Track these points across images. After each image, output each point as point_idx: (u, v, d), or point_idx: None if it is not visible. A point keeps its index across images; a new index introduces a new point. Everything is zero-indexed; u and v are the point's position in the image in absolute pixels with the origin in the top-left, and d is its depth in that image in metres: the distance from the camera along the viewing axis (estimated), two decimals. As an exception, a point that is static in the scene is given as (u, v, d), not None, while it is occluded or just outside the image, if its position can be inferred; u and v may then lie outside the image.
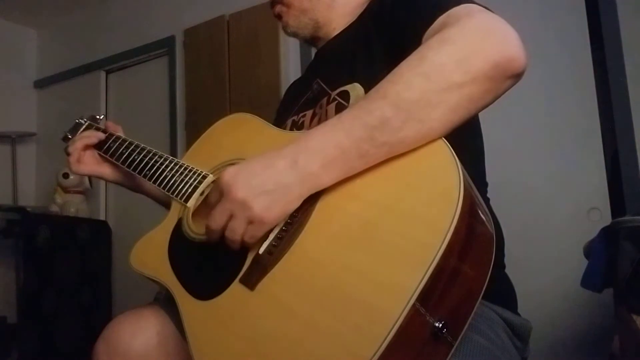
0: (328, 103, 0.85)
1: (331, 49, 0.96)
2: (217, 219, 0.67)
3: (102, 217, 3.24)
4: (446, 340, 0.56)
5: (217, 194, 0.68)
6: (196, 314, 0.70)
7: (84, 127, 1.10)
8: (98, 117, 1.13)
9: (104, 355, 0.82)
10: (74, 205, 3.10)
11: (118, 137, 1.03)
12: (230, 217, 0.66)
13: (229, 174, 0.66)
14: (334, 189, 0.66)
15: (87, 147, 1.04)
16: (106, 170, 1.05)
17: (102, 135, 1.04)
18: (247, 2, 2.65)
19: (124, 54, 3.24)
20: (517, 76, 0.63)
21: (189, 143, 2.76)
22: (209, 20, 2.82)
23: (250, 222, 0.65)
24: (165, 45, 3.06)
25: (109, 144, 1.03)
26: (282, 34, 2.52)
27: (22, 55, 3.65)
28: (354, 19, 0.94)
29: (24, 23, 3.63)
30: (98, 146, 1.04)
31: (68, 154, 1.04)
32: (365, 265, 0.58)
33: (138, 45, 3.17)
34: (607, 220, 1.72)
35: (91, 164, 1.04)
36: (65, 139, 1.10)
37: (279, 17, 0.99)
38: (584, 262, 1.35)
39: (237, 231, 0.66)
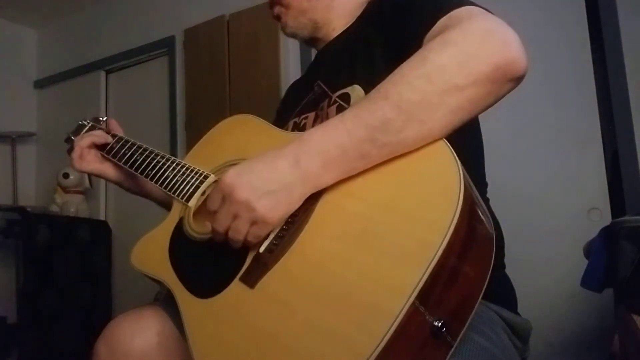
0: (329, 105, 0.85)
1: (331, 50, 0.96)
2: (222, 221, 0.67)
3: (102, 217, 3.24)
4: (445, 340, 0.56)
5: (219, 196, 0.68)
6: (196, 313, 0.70)
7: (86, 128, 1.11)
8: (101, 118, 1.13)
9: (104, 355, 0.82)
10: (74, 205, 3.10)
11: (121, 138, 1.03)
12: (234, 217, 0.66)
13: (231, 176, 0.66)
14: (335, 188, 0.66)
15: (92, 146, 1.04)
16: (108, 169, 1.04)
17: (110, 139, 1.04)
18: (247, 2, 2.65)
19: (124, 54, 3.24)
20: (518, 79, 0.63)
21: (189, 143, 2.77)
22: (209, 20, 2.82)
23: (254, 222, 0.65)
24: (165, 45, 3.06)
25: (112, 145, 1.03)
26: (282, 34, 2.52)
27: (22, 55, 3.65)
28: (353, 20, 0.94)
29: (24, 23, 3.63)
30: (101, 147, 1.04)
31: (71, 153, 1.04)
32: (365, 263, 0.59)
33: (138, 45, 3.17)
34: (607, 220, 1.72)
35: (94, 162, 1.03)
36: (68, 140, 1.10)
37: (277, 18, 1.00)
38: (584, 262, 1.35)
39: (241, 231, 0.66)
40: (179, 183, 0.88)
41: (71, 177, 3.06)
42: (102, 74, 3.38)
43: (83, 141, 1.02)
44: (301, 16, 0.97)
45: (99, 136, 1.04)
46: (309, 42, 1.02)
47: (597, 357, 1.67)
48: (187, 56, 2.93)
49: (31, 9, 3.43)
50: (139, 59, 3.22)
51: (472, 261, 0.59)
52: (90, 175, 1.08)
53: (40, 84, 3.65)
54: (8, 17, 3.50)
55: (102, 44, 3.34)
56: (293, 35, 1.00)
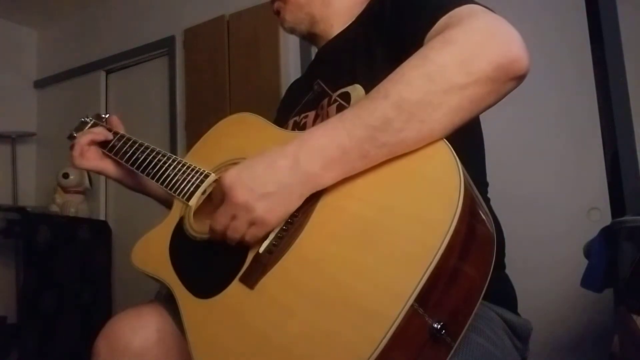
0: (329, 104, 0.85)
1: (331, 49, 0.96)
2: (220, 220, 0.67)
3: (102, 217, 3.24)
4: (445, 342, 0.56)
5: (219, 196, 0.68)
6: (196, 312, 0.70)
7: (89, 125, 1.11)
8: (103, 115, 1.13)
9: (104, 351, 0.82)
10: (74, 205, 3.09)
11: (122, 136, 1.03)
12: (233, 217, 0.66)
13: (230, 176, 0.66)
14: (335, 188, 0.66)
15: (92, 143, 1.03)
16: (108, 166, 1.04)
17: (110, 136, 1.04)
18: (247, 2, 2.65)
19: (124, 54, 3.24)
20: (519, 78, 0.63)
21: (189, 143, 2.77)
22: (209, 20, 2.82)
23: (252, 223, 0.66)
24: (165, 45, 3.06)
25: (113, 142, 1.03)
26: (282, 34, 2.53)
27: (22, 55, 3.65)
28: (353, 19, 0.95)
29: (24, 23, 3.63)
30: (103, 144, 1.04)
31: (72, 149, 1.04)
32: (365, 265, 0.58)
33: (138, 45, 3.17)
34: (607, 220, 1.72)
35: (93, 159, 1.03)
36: (71, 137, 1.10)
37: (277, 13, 1.01)
38: (584, 262, 1.35)
39: (239, 231, 0.66)
40: (179, 182, 0.88)
41: (71, 177, 3.06)
42: (102, 74, 3.37)
43: (83, 139, 1.02)
44: (298, 10, 0.98)
45: (99, 133, 1.03)
46: (307, 37, 1.03)
47: (597, 357, 1.67)
48: (187, 56, 2.93)
49: (31, 9, 3.43)
50: (139, 59, 3.22)
51: (473, 261, 0.59)
52: (90, 172, 1.08)
53: (40, 84, 3.65)
54: (8, 17, 3.50)
55: (102, 44, 3.34)
56: (291, 31, 1.01)
